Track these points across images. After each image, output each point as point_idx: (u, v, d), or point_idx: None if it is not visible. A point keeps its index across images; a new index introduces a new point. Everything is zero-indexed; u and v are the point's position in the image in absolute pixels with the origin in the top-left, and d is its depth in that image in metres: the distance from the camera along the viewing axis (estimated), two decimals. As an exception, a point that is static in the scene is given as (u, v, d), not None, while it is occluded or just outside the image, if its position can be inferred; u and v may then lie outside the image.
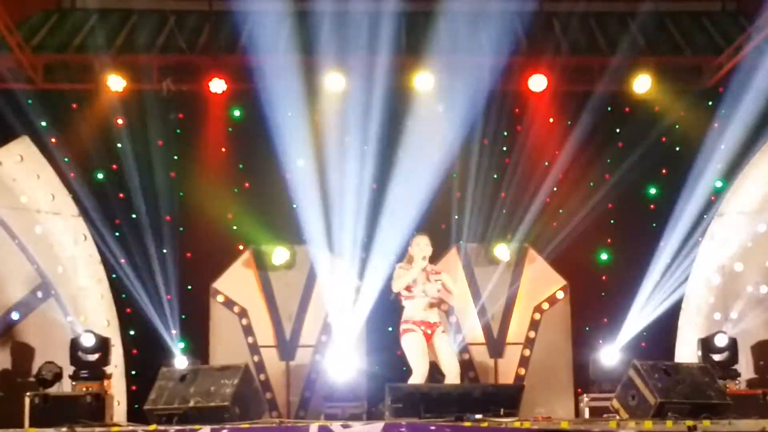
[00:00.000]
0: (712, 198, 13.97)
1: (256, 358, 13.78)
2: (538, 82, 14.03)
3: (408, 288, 10.07)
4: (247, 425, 8.79)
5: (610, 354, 13.29)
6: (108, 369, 12.76)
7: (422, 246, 10.03)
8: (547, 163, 14.18)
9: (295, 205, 14.05)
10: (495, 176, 14.21)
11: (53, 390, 12.31)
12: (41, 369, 12.42)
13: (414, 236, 10.27)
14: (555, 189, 14.16)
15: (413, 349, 10.00)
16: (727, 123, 13.88)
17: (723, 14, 14.80)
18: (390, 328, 14.03)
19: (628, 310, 13.76)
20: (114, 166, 13.94)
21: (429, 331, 10.01)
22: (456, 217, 14.17)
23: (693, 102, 14.18)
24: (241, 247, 14.05)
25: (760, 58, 13.54)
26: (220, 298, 13.95)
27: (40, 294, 13.14)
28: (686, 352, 13.47)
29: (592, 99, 14.08)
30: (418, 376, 9.92)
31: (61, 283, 13.34)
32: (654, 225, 14.19)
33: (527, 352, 14.00)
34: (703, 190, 14.05)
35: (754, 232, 13.69)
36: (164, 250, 13.85)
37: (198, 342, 13.81)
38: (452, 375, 10.04)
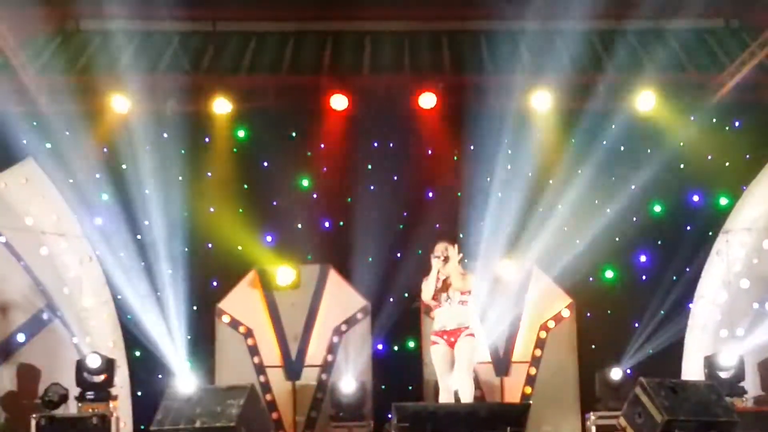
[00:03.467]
0: (717, 214, 13.96)
1: (262, 378, 13.77)
2: (541, 100, 14.04)
3: (434, 297, 9.89)
4: (253, 446, 8.78)
5: (616, 372, 13.27)
6: (113, 390, 12.76)
7: (438, 252, 9.87)
8: (551, 181, 14.16)
9: (299, 225, 14.05)
10: (499, 194, 14.19)
11: (59, 412, 12.31)
12: (47, 390, 12.42)
13: (436, 245, 10.17)
14: (560, 207, 14.13)
15: (435, 363, 9.90)
16: (732, 139, 13.88)
17: (726, 30, 14.80)
18: (396, 348, 14.10)
19: (635, 327, 13.74)
20: (119, 187, 13.91)
21: (453, 339, 9.81)
22: (461, 235, 14.16)
23: (697, 119, 14.18)
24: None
25: (763, 74, 13.56)
26: (225, 318, 13.94)
27: (45, 315, 13.15)
28: (693, 369, 13.44)
29: (595, 116, 14.08)
30: (443, 391, 9.84)
31: (67, 304, 13.33)
32: (659, 242, 14.17)
33: (533, 371, 13.97)
34: (708, 206, 14.05)
35: (759, 248, 13.68)
36: (169, 271, 13.84)
37: (204, 362, 13.79)
38: (460, 379, 9.86)
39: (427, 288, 9.87)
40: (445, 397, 9.79)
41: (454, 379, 9.77)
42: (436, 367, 9.93)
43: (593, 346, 13.97)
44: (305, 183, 14.18)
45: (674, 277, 13.89)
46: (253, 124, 14.25)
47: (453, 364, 9.82)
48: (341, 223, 14.05)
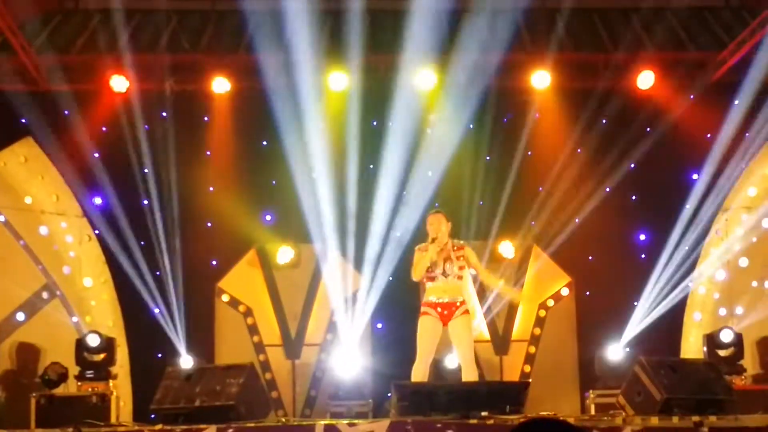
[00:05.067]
0: (716, 193, 13.95)
1: (261, 357, 13.81)
2: (541, 79, 14.01)
3: (428, 270, 9.60)
4: (253, 424, 8.79)
5: (615, 350, 13.29)
6: (113, 369, 12.78)
7: (435, 225, 9.61)
8: (550, 160, 14.13)
9: (299, 204, 14.04)
10: (498, 172, 14.17)
11: (59, 390, 12.34)
12: (47, 369, 12.44)
13: (428, 215, 9.97)
14: (559, 185, 14.09)
15: (420, 334, 9.56)
16: (732, 118, 13.85)
17: (726, 9, 14.76)
18: (395, 326, 14.09)
19: (634, 306, 13.75)
20: (118, 166, 13.87)
21: (446, 313, 9.55)
22: (461, 214, 14.15)
23: (697, 97, 14.14)
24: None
25: (764, 52, 13.53)
26: (225, 297, 13.97)
27: (45, 295, 13.18)
28: (692, 348, 13.48)
29: (595, 95, 14.05)
30: (418, 364, 9.58)
31: (66, 284, 13.36)
32: (658, 221, 14.16)
33: (532, 349, 14.02)
34: (707, 185, 14.02)
35: (759, 227, 13.69)
36: (169, 250, 13.82)
37: (203, 341, 13.81)
38: (465, 365, 9.76)
39: (423, 264, 9.56)
40: (419, 372, 9.57)
41: (456, 362, 9.67)
42: (419, 339, 9.61)
43: (592, 325, 13.97)
44: (304, 162, 14.13)
45: (673, 256, 13.88)
46: (253, 102, 14.20)
47: (436, 340, 9.65)
48: (340, 202, 14.01)
